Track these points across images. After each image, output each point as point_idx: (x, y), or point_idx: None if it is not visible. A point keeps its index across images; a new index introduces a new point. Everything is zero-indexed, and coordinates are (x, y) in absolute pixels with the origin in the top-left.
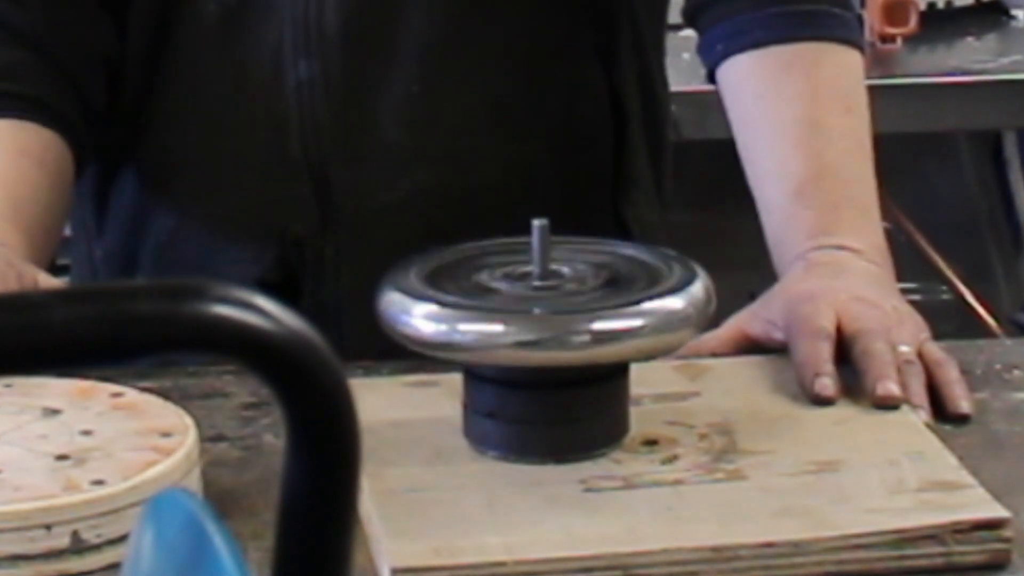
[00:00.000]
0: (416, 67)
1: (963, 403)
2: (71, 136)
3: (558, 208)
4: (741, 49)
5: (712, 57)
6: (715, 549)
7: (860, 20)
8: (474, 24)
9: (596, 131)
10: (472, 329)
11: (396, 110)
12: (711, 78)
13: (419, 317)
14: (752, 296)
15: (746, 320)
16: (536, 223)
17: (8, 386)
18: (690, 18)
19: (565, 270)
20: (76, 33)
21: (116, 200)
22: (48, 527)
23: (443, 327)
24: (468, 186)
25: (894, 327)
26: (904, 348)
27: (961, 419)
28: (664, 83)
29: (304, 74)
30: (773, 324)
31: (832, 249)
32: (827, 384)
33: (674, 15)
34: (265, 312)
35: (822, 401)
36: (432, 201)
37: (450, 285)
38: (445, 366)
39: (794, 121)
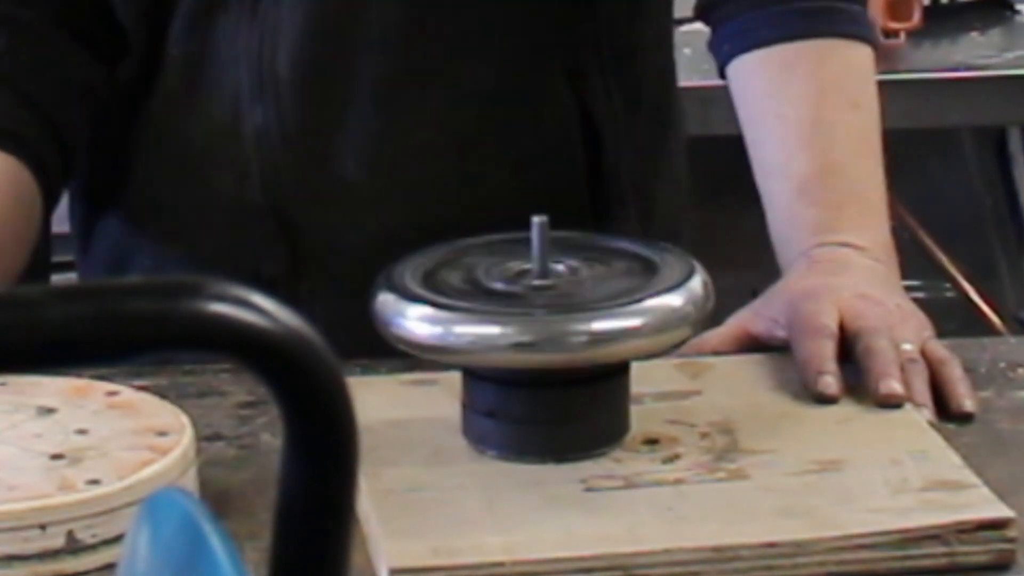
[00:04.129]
0: (374, 106)
1: (966, 401)
2: (38, 168)
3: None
4: (747, 48)
5: (721, 56)
6: (716, 549)
7: None
8: (433, 60)
9: (566, 159)
10: (468, 331)
11: (356, 151)
12: (722, 75)
13: (413, 319)
14: (754, 293)
15: (748, 318)
16: (536, 220)
17: (2, 384)
18: (702, 15)
19: (561, 267)
20: (49, 68)
21: (99, 241)
22: (43, 527)
23: (438, 329)
24: (435, 222)
25: (897, 325)
26: (907, 346)
27: (965, 418)
28: (666, 93)
29: (260, 119)
30: (775, 322)
31: (835, 246)
32: (830, 382)
33: (677, 10)
34: (262, 310)
35: (826, 399)
36: (400, 239)
37: (445, 285)
38: (444, 365)
39: (799, 120)
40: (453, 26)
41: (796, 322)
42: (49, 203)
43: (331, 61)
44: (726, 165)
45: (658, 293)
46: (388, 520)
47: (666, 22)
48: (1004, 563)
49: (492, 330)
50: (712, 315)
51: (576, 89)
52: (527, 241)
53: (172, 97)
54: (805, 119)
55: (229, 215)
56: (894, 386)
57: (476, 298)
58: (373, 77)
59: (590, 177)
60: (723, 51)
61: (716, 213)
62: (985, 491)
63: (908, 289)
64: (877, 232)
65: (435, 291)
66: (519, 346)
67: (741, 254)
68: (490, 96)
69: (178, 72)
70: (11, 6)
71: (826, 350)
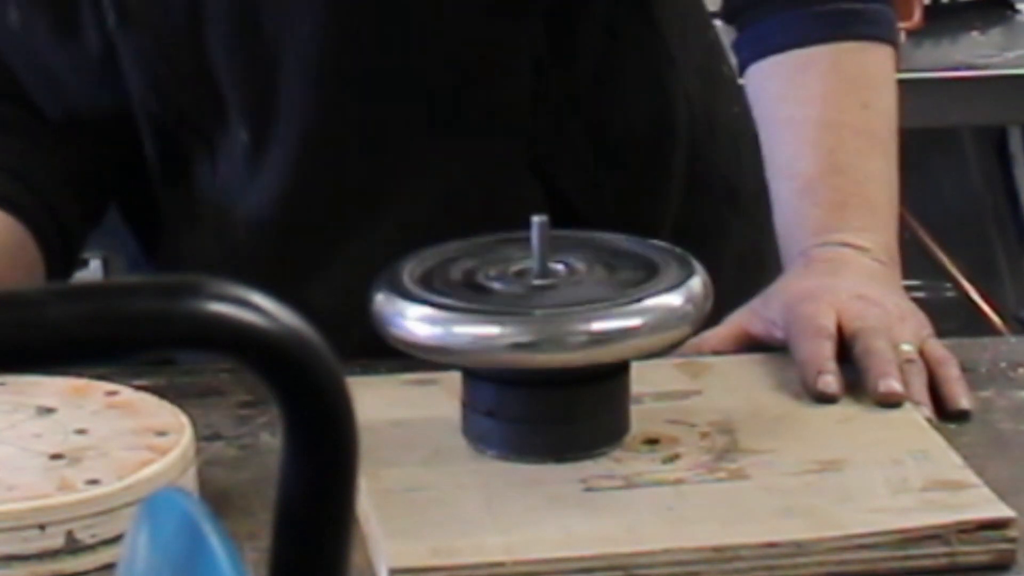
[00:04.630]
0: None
1: (963, 400)
2: (37, 232)
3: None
4: (764, 54)
5: (741, 60)
6: (717, 549)
7: None
8: (391, 177)
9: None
10: (467, 332)
11: (323, 271)
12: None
13: (413, 319)
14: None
15: (747, 318)
16: (536, 220)
17: (2, 384)
18: (728, 17)
19: (561, 267)
20: (41, 159)
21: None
22: (42, 527)
23: (438, 330)
24: None
25: (895, 325)
26: (906, 347)
27: (961, 415)
28: (663, 127)
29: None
30: (773, 323)
31: (835, 246)
32: (830, 381)
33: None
34: (262, 310)
35: (826, 399)
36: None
37: (445, 285)
38: (444, 364)
39: (806, 120)
40: (409, 139)
41: (794, 324)
42: (52, 272)
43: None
44: None
45: (658, 293)
46: (388, 520)
47: (658, 64)
48: (1005, 563)
49: (491, 330)
50: (713, 315)
51: (543, 177)
52: (527, 241)
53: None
54: (813, 120)
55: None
56: (893, 385)
57: (475, 298)
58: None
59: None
60: (743, 56)
61: None
62: (986, 491)
63: (908, 289)
64: (880, 233)
65: (434, 291)
66: (518, 346)
67: None
68: (454, 195)
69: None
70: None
71: (825, 350)
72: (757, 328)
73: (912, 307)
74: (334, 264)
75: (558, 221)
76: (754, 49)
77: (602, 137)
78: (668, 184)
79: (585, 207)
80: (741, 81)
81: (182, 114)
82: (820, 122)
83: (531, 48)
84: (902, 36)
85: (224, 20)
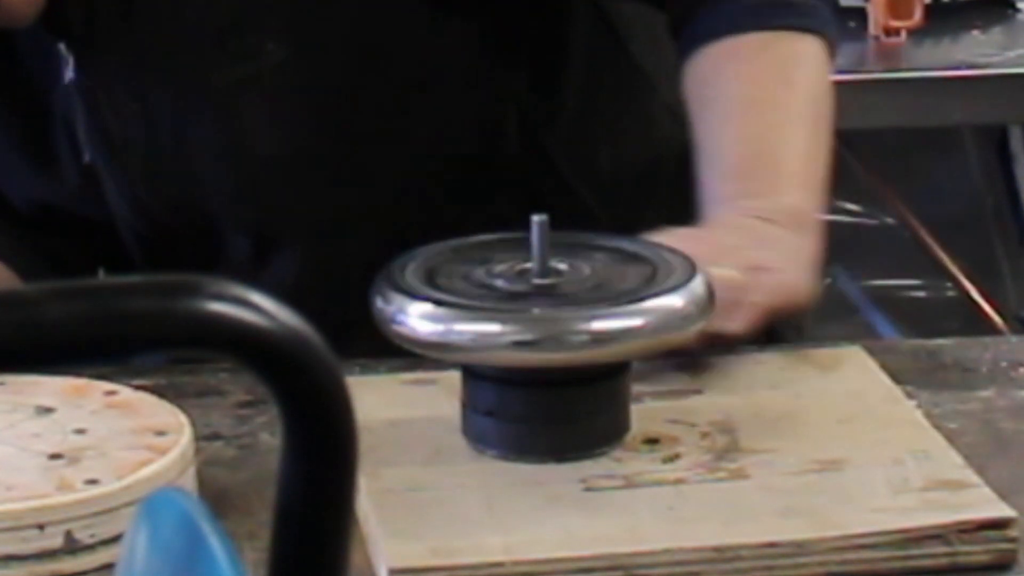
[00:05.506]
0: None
1: (729, 323)
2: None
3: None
4: (698, 46)
5: (680, 60)
6: (717, 549)
7: (864, 14)
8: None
9: None
10: (469, 329)
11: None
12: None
13: (415, 316)
14: None
15: None
16: (536, 219)
17: (1, 384)
18: (674, 34)
19: (564, 267)
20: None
21: None
22: (41, 527)
23: (439, 327)
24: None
25: (715, 258)
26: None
27: (722, 341)
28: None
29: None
30: None
31: (731, 211)
32: None
33: None
34: (261, 309)
35: None
36: None
37: (447, 283)
38: (444, 364)
39: (726, 97)
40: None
41: None
42: None
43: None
44: None
45: (660, 293)
46: (387, 520)
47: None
48: (1005, 563)
49: (493, 328)
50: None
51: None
52: (528, 241)
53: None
54: (732, 96)
55: None
56: None
57: (477, 296)
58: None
59: None
60: (680, 59)
61: None
62: (986, 491)
63: (909, 288)
64: (787, 196)
65: (436, 289)
66: (520, 344)
67: None
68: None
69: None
70: None
71: None
72: None
73: (776, 261)
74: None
75: None
76: (690, 43)
77: (594, 173)
78: (659, 206)
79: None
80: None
81: (171, 231)
82: (738, 98)
83: (517, 101)
84: (903, 35)
85: (214, 145)
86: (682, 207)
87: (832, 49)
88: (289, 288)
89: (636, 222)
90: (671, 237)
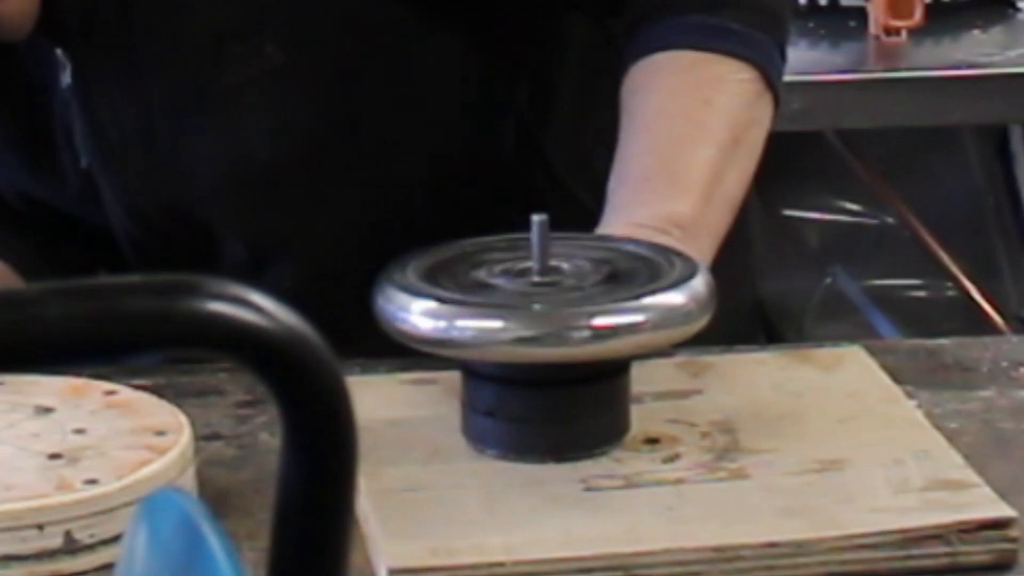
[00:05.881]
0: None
1: None
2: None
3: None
4: (635, 58)
5: (620, 75)
6: (717, 549)
7: (864, 13)
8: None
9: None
10: (471, 325)
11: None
12: None
13: (417, 313)
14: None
15: None
16: (536, 219)
17: (0, 384)
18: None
19: (565, 266)
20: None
21: None
22: (40, 527)
23: (441, 323)
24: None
25: None
26: None
27: None
28: None
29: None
30: None
31: (619, 219)
32: None
33: None
34: (261, 309)
35: None
36: None
37: (448, 281)
38: (444, 364)
39: (645, 108)
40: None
41: None
42: None
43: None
44: None
45: (660, 290)
46: (387, 520)
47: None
48: (1006, 563)
49: (494, 324)
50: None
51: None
52: (528, 241)
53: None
54: (650, 107)
55: None
56: None
57: (478, 293)
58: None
59: None
60: (621, 67)
61: None
62: (987, 491)
63: (909, 288)
64: (679, 206)
65: (438, 286)
66: (521, 340)
67: None
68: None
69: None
70: None
71: None
72: None
73: None
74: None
75: None
76: (627, 58)
77: (590, 175)
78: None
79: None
80: None
81: (166, 239)
82: (653, 110)
83: (514, 106)
84: (903, 35)
85: (212, 150)
86: None
87: (770, 84)
88: (286, 294)
89: None
90: None
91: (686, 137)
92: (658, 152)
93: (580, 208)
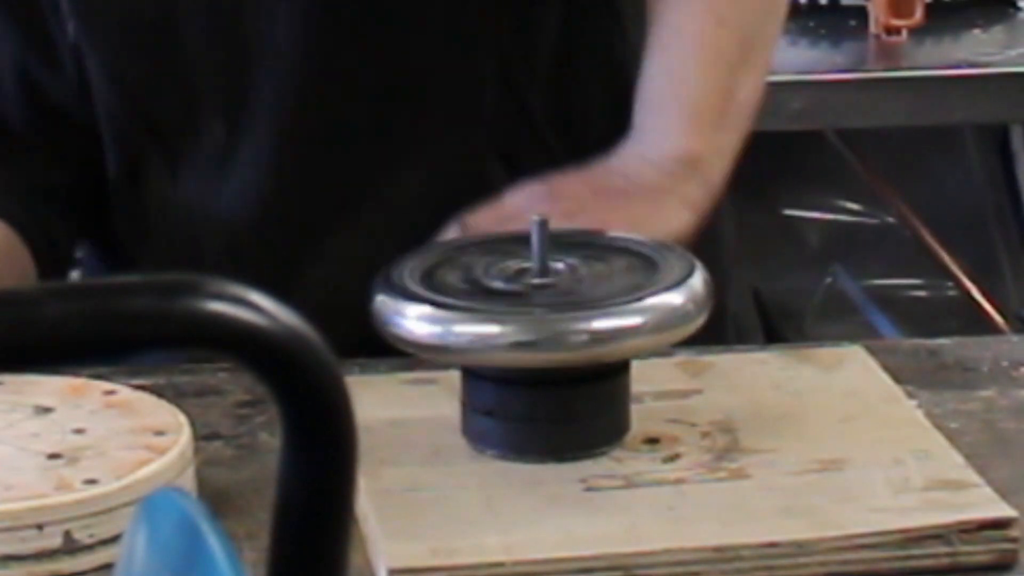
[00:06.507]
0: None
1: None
2: (29, 240)
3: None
4: None
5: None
6: (717, 549)
7: (865, 12)
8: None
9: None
10: (468, 331)
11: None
12: None
13: (412, 318)
14: (755, 292)
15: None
16: (536, 218)
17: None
18: None
19: (561, 266)
20: (15, 175)
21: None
22: (40, 527)
23: (437, 328)
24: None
25: (561, 220)
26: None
27: None
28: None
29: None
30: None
31: (621, 155)
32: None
33: None
34: (260, 308)
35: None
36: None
37: (444, 284)
38: (444, 364)
39: (661, 24)
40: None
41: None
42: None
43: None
44: None
45: (659, 291)
46: (387, 520)
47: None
48: (1007, 563)
49: (492, 329)
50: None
51: (508, 163)
52: (527, 240)
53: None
54: (668, 25)
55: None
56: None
57: (475, 297)
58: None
59: None
60: None
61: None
62: (987, 491)
63: (910, 288)
64: (683, 140)
65: (434, 290)
66: (519, 345)
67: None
68: (419, 202)
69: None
70: None
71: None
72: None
73: (627, 218)
74: (315, 262)
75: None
76: None
77: (563, 116)
78: None
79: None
80: None
81: (149, 116)
82: (673, 28)
83: (496, 38)
84: (903, 34)
85: (202, 12)
86: None
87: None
88: (254, 200)
89: None
90: (525, 191)
91: (700, 60)
92: (673, 74)
93: (554, 161)
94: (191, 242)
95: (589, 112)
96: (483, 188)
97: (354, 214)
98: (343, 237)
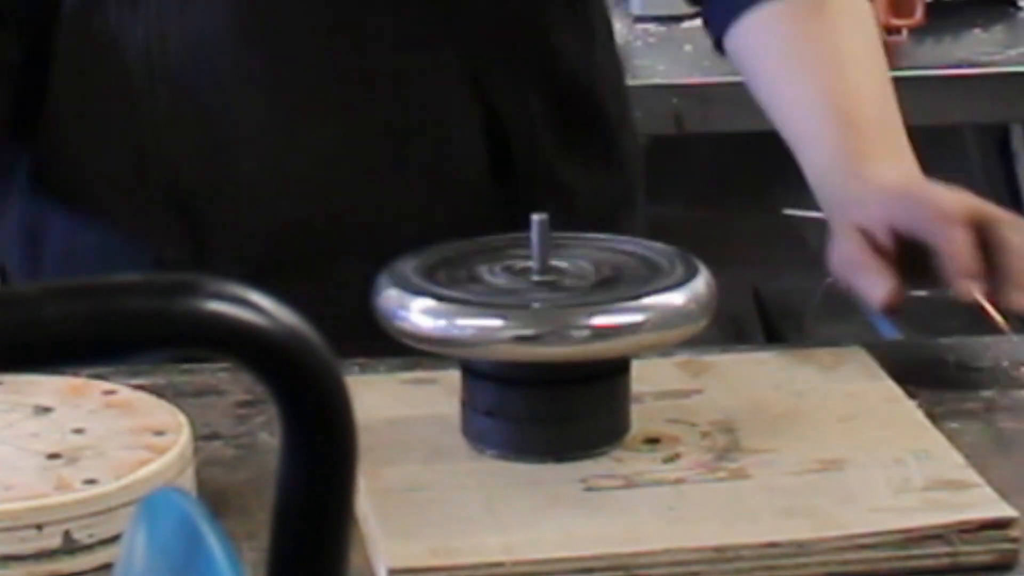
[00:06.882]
0: (266, 106)
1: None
2: None
3: (435, 237)
4: (743, 9)
5: (715, 28)
6: (717, 549)
7: None
8: (328, 59)
9: (468, 158)
10: (470, 324)
11: (249, 146)
12: (719, 47)
13: (416, 312)
14: (755, 293)
15: (872, 221)
16: (535, 218)
17: None
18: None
19: (565, 265)
20: None
21: (13, 220)
22: (39, 527)
23: (441, 322)
24: (336, 219)
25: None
26: None
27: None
28: (598, 92)
29: (153, 107)
30: (896, 218)
31: (893, 168)
32: (971, 288)
33: (675, 6)
34: (260, 308)
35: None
36: (302, 232)
37: (448, 280)
38: (443, 363)
39: (824, 60)
40: (349, 30)
41: (925, 211)
42: None
43: (222, 56)
44: (726, 163)
45: (661, 290)
46: (387, 520)
47: (595, 23)
48: (1007, 563)
49: (494, 322)
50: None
51: (481, 91)
52: (528, 240)
53: (66, 86)
54: (829, 59)
55: (131, 199)
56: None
57: (478, 292)
58: (264, 75)
59: (495, 176)
60: (716, 22)
61: (715, 211)
62: (988, 491)
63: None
64: (909, 164)
65: (437, 284)
66: (521, 339)
67: (740, 252)
68: (388, 93)
69: (70, 62)
70: None
71: (968, 245)
72: (901, 221)
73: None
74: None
75: (493, 147)
76: (729, 8)
77: (536, 56)
78: (599, 122)
79: (516, 128)
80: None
81: None
82: (836, 62)
83: (463, 42)
84: (903, 34)
85: None
86: (594, 152)
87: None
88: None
89: (571, 124)
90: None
91: (881, 88)
92: (836, 107)
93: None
94: (146, 74)
95: (557, 61)
96: (453, 116)
97: (318, 130)
98: (303, 153)
